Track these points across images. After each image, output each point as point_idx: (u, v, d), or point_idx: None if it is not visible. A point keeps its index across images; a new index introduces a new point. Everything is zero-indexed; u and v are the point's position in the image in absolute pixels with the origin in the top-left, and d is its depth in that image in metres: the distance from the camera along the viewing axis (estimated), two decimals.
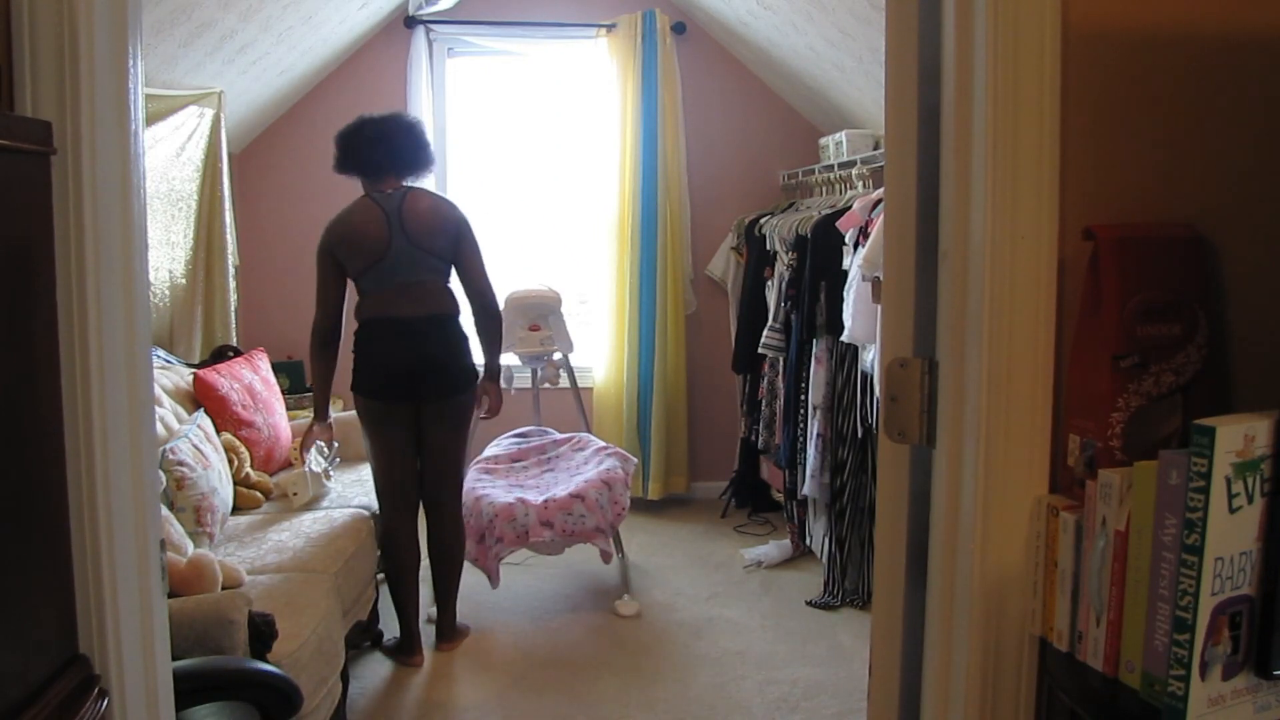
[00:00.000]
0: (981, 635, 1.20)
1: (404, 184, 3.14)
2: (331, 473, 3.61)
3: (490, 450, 3.97)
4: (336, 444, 3.81)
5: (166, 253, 3.90)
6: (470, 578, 3.48)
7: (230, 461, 3.35)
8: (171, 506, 2.78)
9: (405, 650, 3.21)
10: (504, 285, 4.21)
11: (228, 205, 4.17)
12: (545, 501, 3.43)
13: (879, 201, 3.13)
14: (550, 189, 5.04)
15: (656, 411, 4.73)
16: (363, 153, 3.10)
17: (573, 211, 4.99)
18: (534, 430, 4.16)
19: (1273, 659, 0.98)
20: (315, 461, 3.51)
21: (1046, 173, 1.15)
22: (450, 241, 3.13)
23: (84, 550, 1.16)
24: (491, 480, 3.66)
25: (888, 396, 1.29)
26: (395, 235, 3.02)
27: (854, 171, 3.85)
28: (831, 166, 4.17)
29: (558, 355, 4.13)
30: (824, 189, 4.25)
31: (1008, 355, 1.16)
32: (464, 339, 3.20)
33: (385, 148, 3.09)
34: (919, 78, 1.26)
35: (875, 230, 3.06)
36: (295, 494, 3.42)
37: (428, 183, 3.36)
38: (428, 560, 3.29)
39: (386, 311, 3.08)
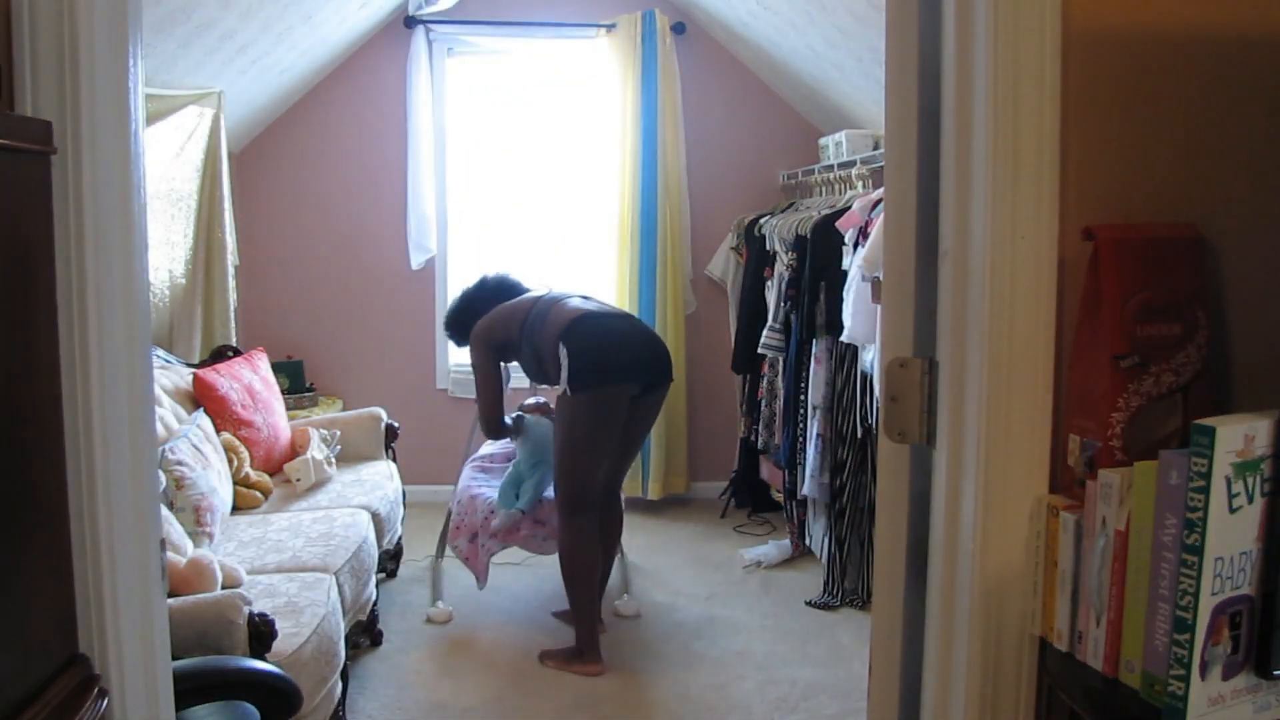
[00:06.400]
0: (981, 635, 1.20)
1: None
2: (334, 460, 3.74)
3: (486, 449, 3.96)
4: (339, 433, 3.87)
5: (166, 253, 3.90)
6: (466, 576, 3.48)
7: (230, 461, 3.36)
8: (171, 506, 2.78)
9: (589, 658, 3.14)
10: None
11: (228, 205, 4.17)
12: (539, 500, 3.43)
13: (879, 201, 3.13)
14: (550, 189, 5.03)
15: None
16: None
17: (573, 211, 4.99)
18: (541, 404, 4.13)
19: (1273, 659, 0.98)
20: (318, 449, 3.64)
21: (1046, 173, 1.15)
22: None
23: (84, 550, 1.16)
24: (486, 479, 3.65)
25: (888, 396, 1.29)
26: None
27: (854, 171, 3.85)
28: (831, 166, 4.17)
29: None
30: (824, 189, 4.25)
31: (1008, 355, 1.16)
32: None
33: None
34: (919, 78, 1.26)
35: (875, 230, 3.06)
36: (299, 480, 3.55)
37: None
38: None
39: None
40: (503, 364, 3.41)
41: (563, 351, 3.05)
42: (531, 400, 3.89)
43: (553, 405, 3.55)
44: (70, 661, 1.14)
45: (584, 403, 3.05)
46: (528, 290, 3.43)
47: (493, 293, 3.45)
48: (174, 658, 1.40)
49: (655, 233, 4.70)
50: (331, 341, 4.88)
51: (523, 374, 3.48)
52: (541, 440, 3.51)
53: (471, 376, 3.42)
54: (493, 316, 3.32)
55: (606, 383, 3.05)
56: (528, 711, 2.92)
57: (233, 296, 4.24)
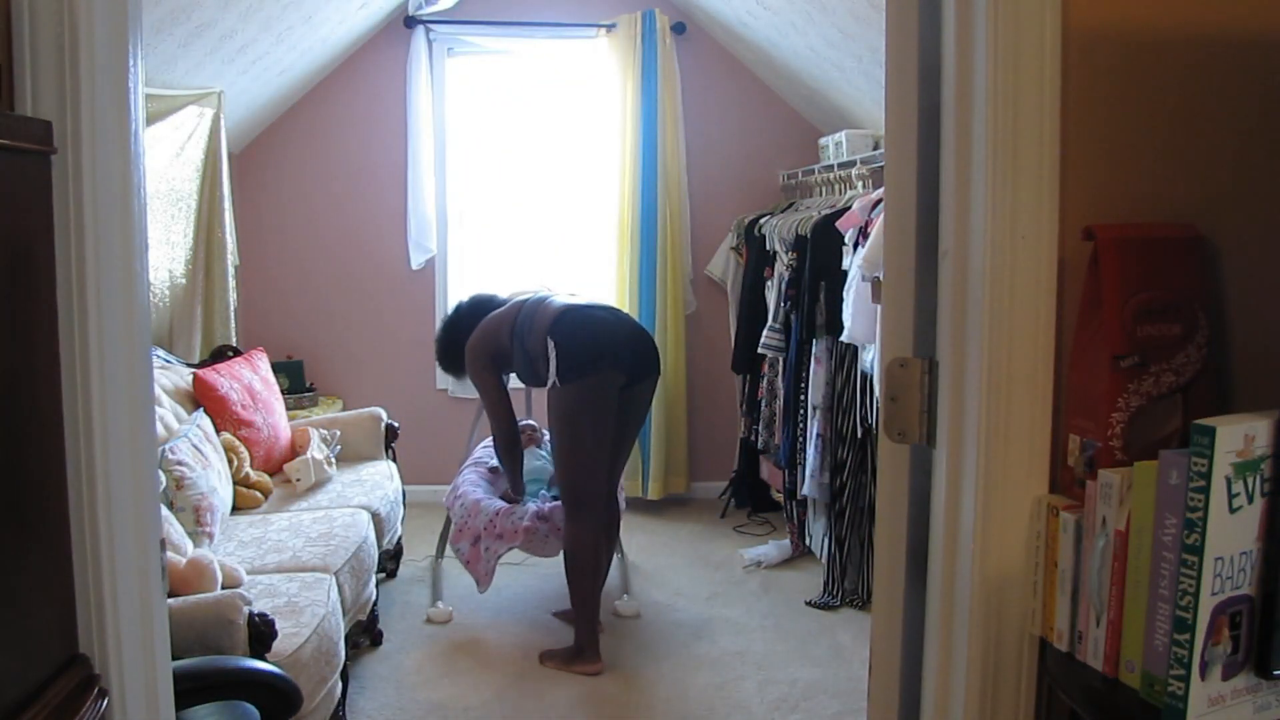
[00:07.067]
0: (981, 635, 1.20)
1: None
2: (334, 460, 3.75)
3: (479, 453, 3.95)
4: (339, 433, 3.87)
5: (166, 253, 3.90)
6: (466, 576, 3.48)
7: (230, 461, 3.36)
8: (171, 506, 2.78)
9: (589, 657, 3.16)
10: (503, 285, 4.21)
11: (228, 205, 4.17)
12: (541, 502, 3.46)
13: (879, 201, 3.13)
14: (550, 189, 5.03)
15: (656, 411, 4.72)
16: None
17: (573, 211, 4.99)
18: (525, 427, 4.13)
19: (1273, 659, 0.98)
20: (318, 449, 3.67)
21: (1046, 173, 1.15)
22: None
23: (84, 550, 1.16)
24: (488, 487, 3.66)
25: (888, 396, 1.29)
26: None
27: (854, 171, 3.85)
28: (831, 166, 4.17)
29: None
30: (824, 189, 4.25)
31: (1008, 355, 1.16)
32: None
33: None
34: (919, 78, 1.26)
35: (875, 230, 3.06)
36: (299, 480, 3.56)
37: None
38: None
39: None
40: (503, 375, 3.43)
41: (550, 345, 3.06)
42: (521, 423, 3.97)
43: (540, 425, 3.61)
44: (70, 661, 1.14)
45: (574, 392, 3.06)
46: (505, 301, 3.43)
47: (470, 312, 3.47)
48: (174, 658, 1.40)
49: (655, 233, 4.71)
50: (331, 341, 4.88)
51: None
52: (535, 469, 3.71)
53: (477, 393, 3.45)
54: (480, 331, 3.32)
55: (593, 370, 3.06)
56: (528, 711, 2.91)
57: (233, 296, 4.24)
